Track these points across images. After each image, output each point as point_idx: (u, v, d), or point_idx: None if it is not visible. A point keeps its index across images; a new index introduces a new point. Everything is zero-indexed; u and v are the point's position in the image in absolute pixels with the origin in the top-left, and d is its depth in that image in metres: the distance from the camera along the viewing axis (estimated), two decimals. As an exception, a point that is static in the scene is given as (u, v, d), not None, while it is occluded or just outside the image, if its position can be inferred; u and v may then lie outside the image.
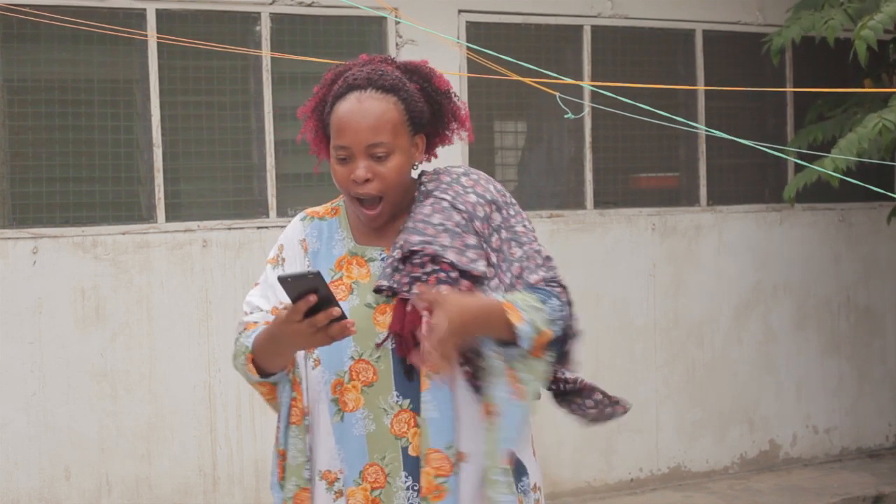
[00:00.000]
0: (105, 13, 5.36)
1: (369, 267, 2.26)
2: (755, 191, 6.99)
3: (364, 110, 2.18)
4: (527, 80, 5.18)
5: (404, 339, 2.17)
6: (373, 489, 2.19)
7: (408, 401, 2.19)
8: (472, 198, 2.27)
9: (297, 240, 2.35)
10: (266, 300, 2.32)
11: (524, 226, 2.31)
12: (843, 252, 7.19)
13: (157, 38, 5.41)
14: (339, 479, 2.22)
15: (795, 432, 7.06)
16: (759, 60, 6.94)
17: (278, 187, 5.74)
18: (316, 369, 2.24)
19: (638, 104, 5.22)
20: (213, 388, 5.59)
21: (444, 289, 2.13)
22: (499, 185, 2.36)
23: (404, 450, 2.19)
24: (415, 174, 2.35)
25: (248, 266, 5.65)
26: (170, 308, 5.51)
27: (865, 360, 7.29)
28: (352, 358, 2.21)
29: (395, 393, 2.20)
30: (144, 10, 5.45)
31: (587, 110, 6.25)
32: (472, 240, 2.22)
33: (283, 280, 1.98)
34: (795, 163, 6.48)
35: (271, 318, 2.23)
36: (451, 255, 2.18)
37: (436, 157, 2.40)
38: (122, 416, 5.42)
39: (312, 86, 2.38)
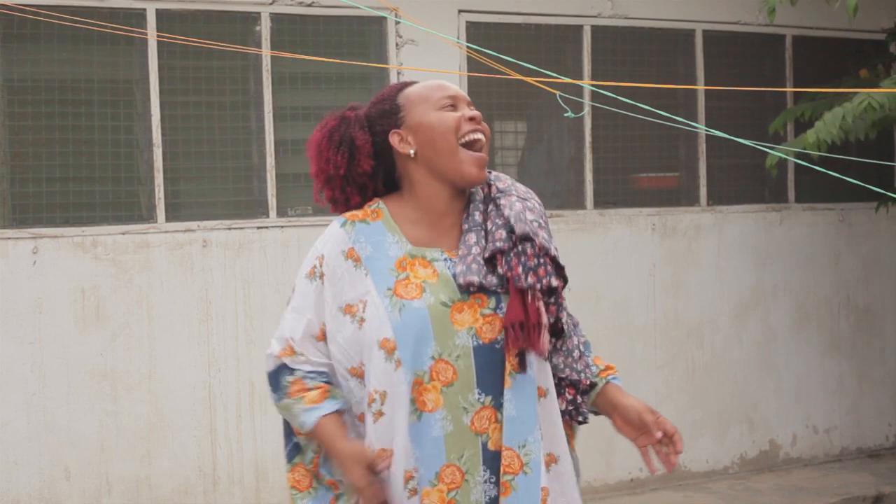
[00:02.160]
0: (105, 13, 5.36)
1: (434, 267, 2.25)
2: (755, 191, 6.99)
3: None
4: (527, 79, 5.18)
5: (529, 328, 2.19)
6: (449, 490, 2.19)
7: (489, 397, 2.20)
8: (536, 206, 2.35)
9: (339, 250, 2.28)
10: (308, 326, 2.29)
11: None
12: (843, 252, 7.19)
13: (157, 37, 5.41)
14: (413, 477, 2.20)
15: (795, 432, 7.06)
16: (759, 60, 6.95)
17: (278, 187, 5.74)
18: (398, 370, 2.18)
19: (638, 104, 5.22)
20: (213, 388, 5.59)
21: (554, 280, 2.25)
22: None
23: (484, 445, 2.20)
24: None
25: (248, 266, 5.66)
26: (170, 308, 5.51)
27: (865, 360, 7.29)
28: (432, 358, 2.19)
29: (476, 390, 2.20)
30: (144, 9, 5.45)
31: (587, 110, 6.25)
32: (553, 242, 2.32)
33: None
34: (795, 162, 6.48)
35: (320, 360, 2.29)
36: (553, 251, 2.28)
37: None
38: (122, 416, 5.42)
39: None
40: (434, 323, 2.19)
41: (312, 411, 2.25)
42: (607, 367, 2.43)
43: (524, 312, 2.19)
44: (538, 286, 2.21)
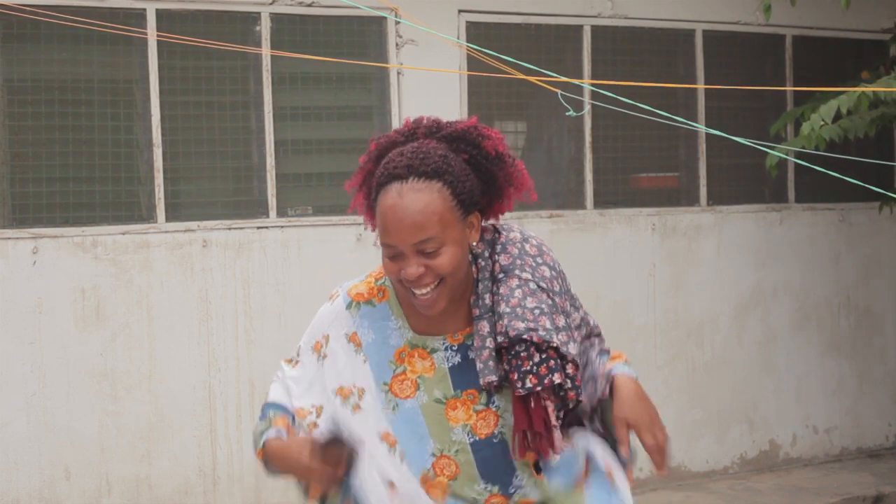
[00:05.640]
0: (105, 13, 5.36)
1: (433, 359, 2.16)
2: (755, 191, 6.99)
3: (405, 206, 2.01)
4: (527, 78, 5.18)
5: (536, 433, 2.09)
6: None
7: (497, 486, 2.17)
8: (547, 272, 2.17)
9: (344, 333, 2.21)
10: (300, 396, 2.25)
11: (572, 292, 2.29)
12: (843, 252, 7.19)
13: (157, 37, 5.41)
14: None
15: (795, 432, 7.06)
16: (759, 60, 6.95)
17: (278, 187, 5.74)
18: (403, 463, 2.17)
19: (638, 104, 5.22)
20: (213, 388, 5.59)
21: (557, 377, 2.07)
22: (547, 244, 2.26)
23: None
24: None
25: (248, 266, 5.66)
26: (170, 308, 5.51)
27: (865, 361, 7.29)
28: (433, 455, 2.15)
29: (481, 481, 2.16)
30: (144, 9, 5.45)
31: (587, 110, 6.25)
32: (561, 321, 2.13)
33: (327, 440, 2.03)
34: (795, 162, 6.48)
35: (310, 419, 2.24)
36: (557, 340, 2.09)
37: (497, 220, 2.24)
38: (122, 416, 5.42)
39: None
40: (428, 421, 2.15)
41: (272, 432, 2.21)
42: (611, 358, 2.34)
43: (528, 420, 2.08)
44: (539, 388, 2.07)
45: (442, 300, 2.09)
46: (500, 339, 2.09)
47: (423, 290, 2.07)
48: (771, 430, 6.98)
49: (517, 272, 2.14)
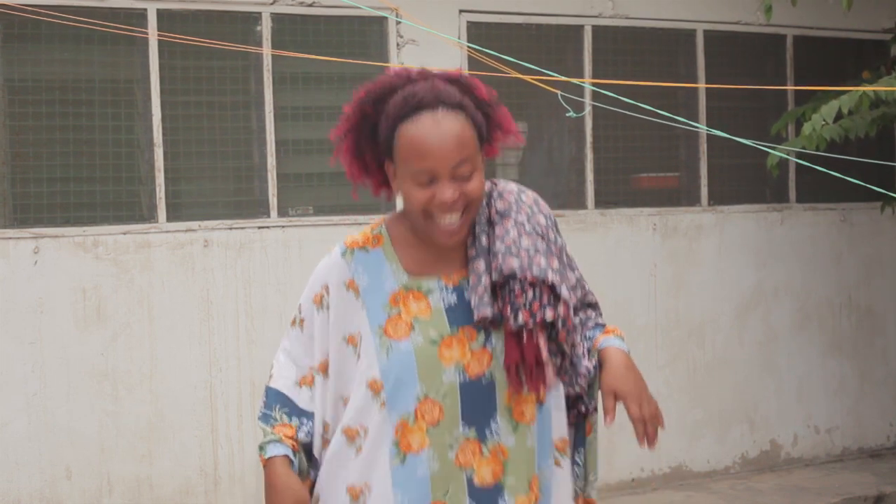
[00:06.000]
0: (106, 12, 5.36)
1: (428, 300, 2.19)
2: (756, 191, 6.99)
3: (445, 131, 2.10)
4: (528, 77, 5.17)
5: (527, 367, 2.13)
6: None
7: (472, 430, 2.17)
8: (542, 220, 2.25)
9: (342, 281, 2.24)
10: (308, 355, 2.27)
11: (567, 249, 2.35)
12: (845, 252, 7.19)
13: (158, 37, 5.41)
14: None
15: (796, 432, 7.05)
16: (760, 60, 6.95)
17: (279, 187, 5.74)
18: (382, 410, 2.16)
19: (639, 104, 5.22)
20: (214, 387, 5.59)
21: (549, 313, 2.14)
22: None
23: (469, 479, 2.16)
24: None
25: (249, 266, 5.66)
26: (171, 308, 5.51)
27: (867, 361, 7.29)
28: (417, 398, 2.15)
29: (461, 424, 2.16)
30: (145, 9, 5.45)
31: (588, 110, 6.25)
32: (555, 263, 2.20)
33: None
34: (795, 162, 6.48)
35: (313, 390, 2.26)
36: (551, 278, 2.15)
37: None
38: (123, 416, 5.42)
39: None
40: (420, 364, 2.15)
41: (280, 448, 2.22)
42: (604, 332, 2.35)
43: (520, 354, 2.14)
44: (531, 323, 2.13)
45: (464, 229, 2.16)
46: (494, 276, 2.15)
47: (451, 217, 2.13)
48: (772, 430, 6.97)
49: (513, 215, 2.23)
